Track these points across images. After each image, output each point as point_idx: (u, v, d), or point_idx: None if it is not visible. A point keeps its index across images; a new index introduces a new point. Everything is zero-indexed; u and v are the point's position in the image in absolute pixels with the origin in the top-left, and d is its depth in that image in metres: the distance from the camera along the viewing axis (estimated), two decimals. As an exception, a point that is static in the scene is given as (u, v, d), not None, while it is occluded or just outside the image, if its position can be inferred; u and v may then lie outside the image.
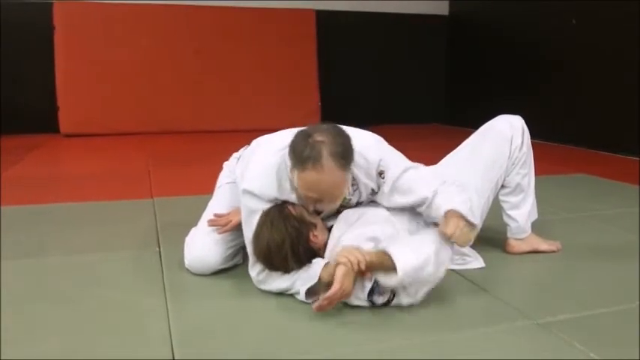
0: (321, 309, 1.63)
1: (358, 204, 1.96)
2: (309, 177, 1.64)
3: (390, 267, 1.63)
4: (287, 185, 1.80)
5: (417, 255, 1.65)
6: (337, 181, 1.67)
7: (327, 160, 1.62)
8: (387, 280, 1.65)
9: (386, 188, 1.87)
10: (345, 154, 1.67)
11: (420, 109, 7.59)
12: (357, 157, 1.73)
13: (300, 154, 1.64)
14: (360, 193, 1.89)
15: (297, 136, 1.70)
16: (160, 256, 2.22)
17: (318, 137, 1.64)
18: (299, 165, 1.65)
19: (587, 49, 5.39)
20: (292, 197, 1.82)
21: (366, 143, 1.81)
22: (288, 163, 1.73)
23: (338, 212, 1.93)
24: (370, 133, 1.91)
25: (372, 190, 1.89)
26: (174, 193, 3.33)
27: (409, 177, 1.86)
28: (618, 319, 1.72)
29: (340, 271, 1.62)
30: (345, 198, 1.87)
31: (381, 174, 1.84)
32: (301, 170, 1.65)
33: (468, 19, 7.38)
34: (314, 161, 1.62)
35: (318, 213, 1.87)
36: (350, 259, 1.61)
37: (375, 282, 1.68)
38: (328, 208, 1.81)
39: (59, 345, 1.52)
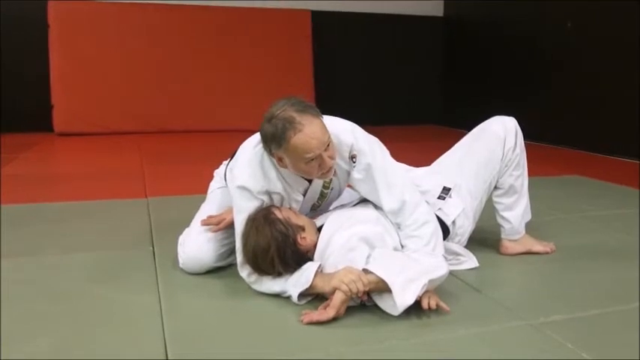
0: (310, 322, 1.63)
1: (339, 192, 2.01)
2: (300, 140, 1.66)
3: (386, 290, 1.63)
4: (272, 175, 1.83)
5: (414, 291, 1.62)
6: (320, 126, 1.70)
7: (301, 117, 1.67)
8: (384, 305, 1.67)
9: (356, 174, 1.89)
10: (306, 104, 1.72)
11: (416, 110, 7.60)
12: (332, 137, 1.75)
13: (276, 133, 1.67)
14: (338, 177, 1.91)
15: (262, 126, 1.73)
16: (154, 255, 2.21)
17: (278, 111, 1.69)
18: (283, 140, 1.67)
19: (585, 51, 5.41)
20: (278, 186, 1.84)
21: (340, 126, 1.85)
22: (270, 154, 1.76)
23: (322, 196, 1.97)
24: (349, 122, 1.93)
25: (348, 172, 1.91)
26: (169, 193, 3.33)
27: (381, 176, 1.87)
28: (612, 320, 1.72)
29: (338, 299, 1.63)
30: (326, 182, 1.91)
31: (352, 158, 1.86)
32: (288, 142, 1.67)
33: (464, 20, 7.40)
34: (291, 126, 1.66)
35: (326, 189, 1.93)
36: (350, 289, 1.61)
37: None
38: (331, 163, 1.77)
39: (53, 343, 1.51)
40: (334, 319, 1.63)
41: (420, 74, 7.65)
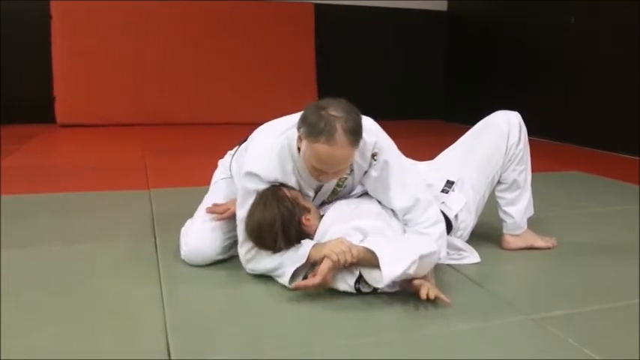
0: (298, 288, 1.69)
1: (351, 190, 2.00)
2: (322, 150, 1.64)
3: (376, 265, 1.64)
4: (289, 167, 1.82)
5: (402, 264, 1.63)
6: (347, 156, 1.68)
7: (341, 136, 1.63)
8: (370, 278, 1.69)
9: (373, 172, 1.88)
10: (357, 130, 1.67)
11: (419, 105, 7.57)
12: None
13: (314, 126, 1.64)
14: (354, 174, 1.91)
15: (310, 107, 1.70)
16: (156, 247, 2.22)
17: (332, 111, 1.65)
18: (312, 136, 1.65)
19: (587, 47, 5.39)
20: (292, 180, 1.83)
21: (365, 126, 1.82)
22: (298, 132, 1.72)
23: (334, 193, 1.96)
24: (371, 120, 1.91)
25: (365, 171, 1.90)
26: (171, 185, 3.33)
27: (398, 172, 1.88)
28: (613, 315, 1.73)
29: (326, 266, 1.65)
30: (341, 177, 1.89)
31: (374, 156, 1.85)
32: (314, 141, 1.65)
33: (467, 15, 7.38)
34: (328, 135, 1.62)
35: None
36: (339, 259, 1.64)
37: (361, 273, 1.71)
38: (331, 180, 1.78)
39: (55, 335, 1.52)
40: (332, 307, 1.65)
41: (424, 69, 7.62)
